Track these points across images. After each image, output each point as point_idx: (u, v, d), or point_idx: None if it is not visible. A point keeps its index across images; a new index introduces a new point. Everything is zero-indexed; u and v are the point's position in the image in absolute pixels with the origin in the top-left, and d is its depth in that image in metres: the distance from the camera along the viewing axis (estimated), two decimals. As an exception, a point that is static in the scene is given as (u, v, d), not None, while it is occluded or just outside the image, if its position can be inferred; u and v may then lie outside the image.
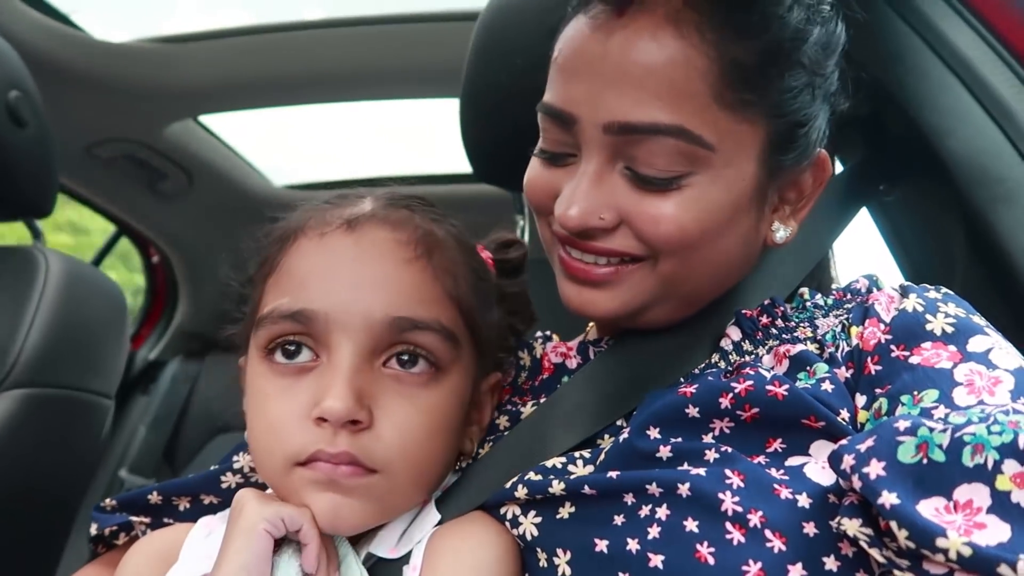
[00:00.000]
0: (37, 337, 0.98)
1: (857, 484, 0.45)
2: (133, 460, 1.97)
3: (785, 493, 0.50)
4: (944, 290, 0.61)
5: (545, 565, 0.54)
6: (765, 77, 0.56)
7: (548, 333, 0.74)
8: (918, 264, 0.83)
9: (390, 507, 0.56)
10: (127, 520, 0.68)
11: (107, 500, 0.70)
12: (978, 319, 0.57)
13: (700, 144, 0.55)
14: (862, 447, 0.46)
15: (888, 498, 0.43)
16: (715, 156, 0.56)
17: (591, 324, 0.73)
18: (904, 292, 0.60)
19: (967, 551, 0.40)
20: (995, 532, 0.40)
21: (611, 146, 0.57)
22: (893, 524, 0.42)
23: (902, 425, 0.46)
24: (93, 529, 0.69)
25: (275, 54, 1.47)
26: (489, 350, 0.64)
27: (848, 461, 0.46)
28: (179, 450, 2.00)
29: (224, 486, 0.68)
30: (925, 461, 0.44)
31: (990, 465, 0.42)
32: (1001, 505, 0.41)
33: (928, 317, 0.56)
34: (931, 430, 0.45)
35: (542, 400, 0.66)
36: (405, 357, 0.55)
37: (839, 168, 0.83)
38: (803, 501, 0.49)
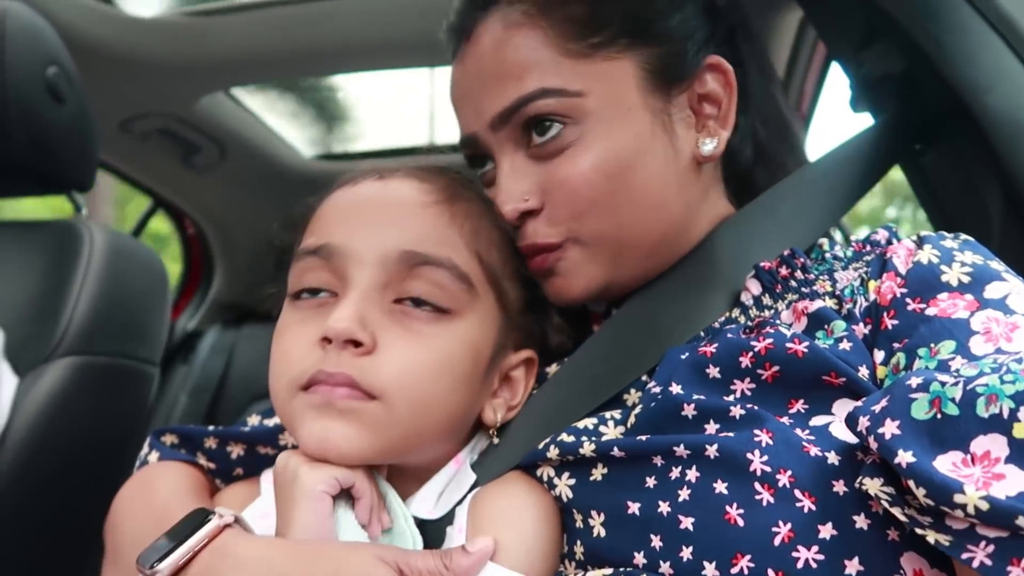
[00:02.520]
0: (85, 307, 1.01)
1: (874, 445, 0.45)
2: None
3: (813, 451, 0.50)
4: (963, 237, 0.60)
5: (581, 526, 0.55)
6: (600, 19, 0.62)
7: None
8: (953, 222, 0.82)
9: (385, 442, 0.55)
10: (193, 459, 0.70)
11: (167, 434, 0.71)
12: (996, 264, 0.56)
13: (567, 95, 0.61)
14: (876, 408, 0.46)
15: (904, 457, 0.43)
16: (589, 101, 0.61)
17: None
18: (920, 243, 0.60)
19: (984, 505, 0.39)
20: (1014, 482, 0.40)
21: (506, 137, 0.64)
22: (911, 482, 0.42)
23: (914, 382, 0.46)
24: (154, 456, 0.69)
25: (305, 25, 1.47)
26: (518, 321, 0.64)
27: (863, 423, 0.46)
28: (219, 416, 2.05)
29: (282, 443, 0.69)
30: (939, 416, 0.44)
31: (1006, 414, 0.41)
32: (1019, 454, 0.41)
33: (943, 268, 0.56)
34: (943, 384, 0.44)
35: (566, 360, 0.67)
36: (415, 295, 0.56)
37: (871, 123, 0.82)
38: (831, 459, 0.49)
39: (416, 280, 0.56)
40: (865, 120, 0.84)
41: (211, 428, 0.71)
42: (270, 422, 0.71)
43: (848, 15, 0.83)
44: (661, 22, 0.64)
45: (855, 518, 0.47)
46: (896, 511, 0.44)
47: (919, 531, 0.43)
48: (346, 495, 0.54)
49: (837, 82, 1.50)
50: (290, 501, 0.52)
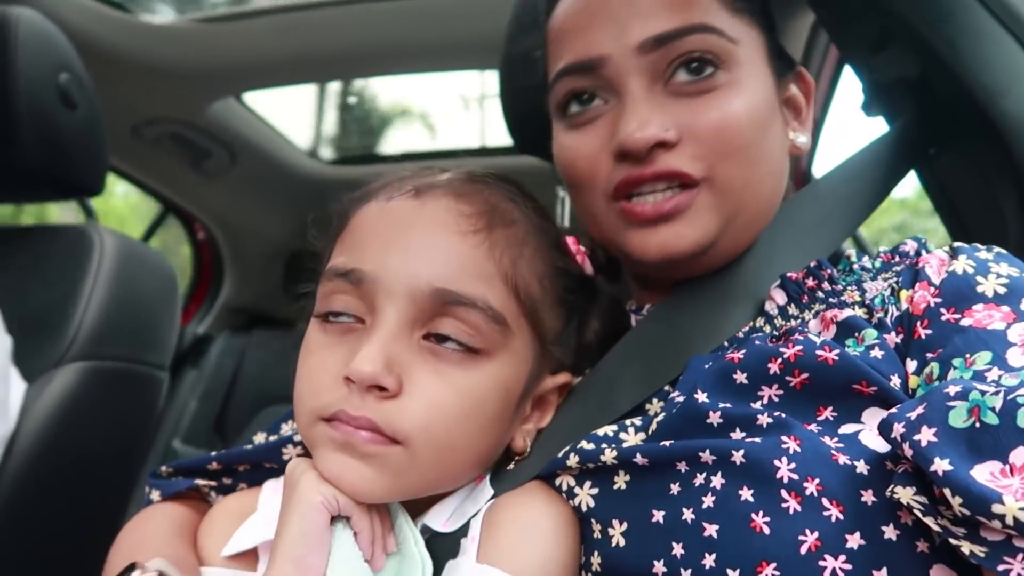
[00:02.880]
0: (95, 312, 1.01)
1: (909, 452, 0.44)
2: (185, 431, 2.04)
3: (842, 460, 0.49)
4: (996, 249, 0.59)
5: (599, 536, 0.54)
6: None
7: None
8: (969, 227, 0.81)
9: (404, 485, 0.53)
10: (193, 484, 0.69)
11: (163, 467, 0.71)
12: None
13: (725, 37, 0.61)
14: (912, 414, 0.45)
15: (941, 465, 0.42)
16: (738, 51, 0.61)
17: (630, 302, 0.73)
18: (954, 253, 0.59)
19: None
20: None
21: (649, 66, 0.61)
22: (947, 491, 0.41)
23: (952, 390, 0.45)
24: (155, 496, 0.69)
25: (314, 31, 1.48)
26: (556, 347, 0.61)
27: (898, 429, 0.45)
28: (229, 421, 2.06)
29: (286, 457, 0.68)
30: (978, 425, 0.43)
31: None
32: None
33: (979, 279, 0.55)
34: (983, 393, 0.43)
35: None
36: (446, 334, 0.53)
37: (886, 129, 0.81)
38: (860, 468, 0.48)
39: (447, 319, 0.53)
40: (878, 124, 0.83)
41: (213, 454, 0.70)
42: (275, 438, 0.71)
43: (861, 19, 0.82)
44: (784, 18, 0.68)
45: (884, 528, 0.46)
46: (929, 520, 0.43)
47: (953, 541, 0.42)
48: (345, 520, 0.54)
49: (850, 86, 1.49)
50: (288, 506, 0.52)
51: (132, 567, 0.52)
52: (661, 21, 0.60)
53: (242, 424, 2.03)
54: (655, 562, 0.51)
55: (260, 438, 0.72)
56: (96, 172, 1.13)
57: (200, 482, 0.70)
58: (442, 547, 0.56)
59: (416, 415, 0.52)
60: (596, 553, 0.54)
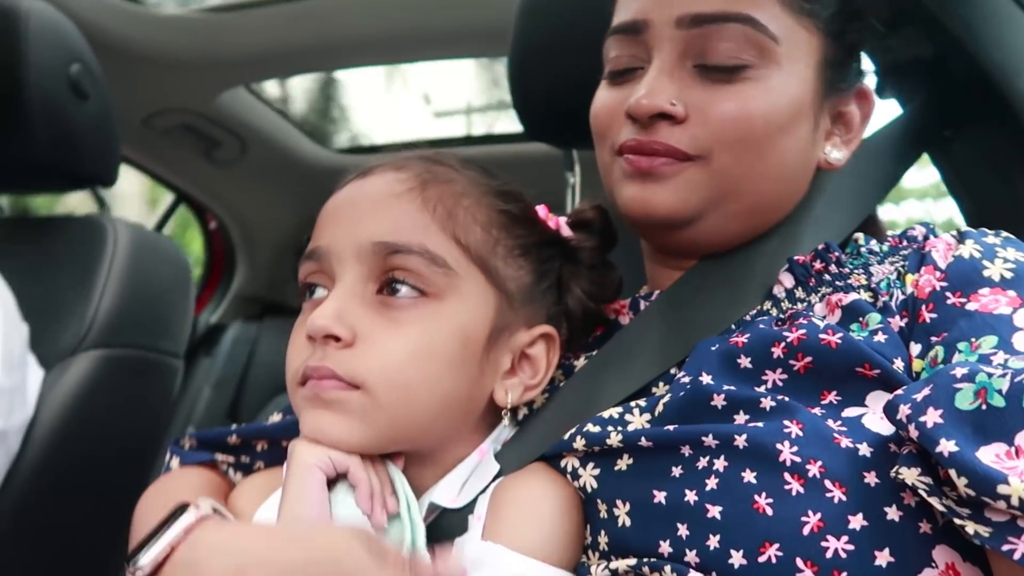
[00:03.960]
0: (110, 301, 1.02)
1: (914, 433, 0.44)
2: (200, 419, 2.06)
3: (845, 443, 0.49)
4: (1004, 234, 0.59)
5: (606, 516, 0.55)
6: None
7: None
8: (983, 211, 0.81)
9: (378, 430, 0.56)
10: (212, 458, 0.71)
11: (185, 438, 0.73)
12: None
13: (766, 33, 0.60)
14: (918, 396, 0.45)
15: (946, 446, 0.42)
16: (778, 50, 0.61)
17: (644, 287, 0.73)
18: (961, 238, 0.59)
19: None
20: None
21: (683, 41, 0.62)
22: (952, 472, 0.41)
23: (959, 372, 0.45)
24: (175, 463, 0.71)
25: (323, 19, 1.48)
26: (527, 298, 0.63)
27: (904, 411, 0.46)
28: (242, 409, 2.08)
29: None
30: (984, 407, 0.43)
31: None
32: None
33: (986, 263, 0.55)
34: (990, 375, 0.44)
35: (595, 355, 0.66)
36: (394, 284, 0.57)
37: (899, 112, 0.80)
38: (863, 451, 0.49)
39: (392, 269, 0.57)
40: (892, 107, 0.82)
41: (233, 427, 0.71)
42: (292, 417, 0.72)
43: (874, -1, 0.81)
44: (856, 29, 0.65)
45: (887, 510, 0.46)
46: (934, 501, 0.44)
47: (957, 521, 0.42)
48: (347, 482, 0.56)
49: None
50: (288, 476, 0.55)
51: (183, 508, 0.52)
52: (709, 1, 0.61)
53: (256, 411, 2.05)
54: (661, 542, 0.51)
55: (277, 418, 0.73)
56: (108, 163, 1.14)
57: (219, 457, 0.71)
58: (451, 524, 0.58)
59: (370, 359, 0.55)
60: (603, 532, 0.55)
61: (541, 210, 0.68)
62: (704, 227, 0.64)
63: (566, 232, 0.69)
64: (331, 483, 0.55)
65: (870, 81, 0.70)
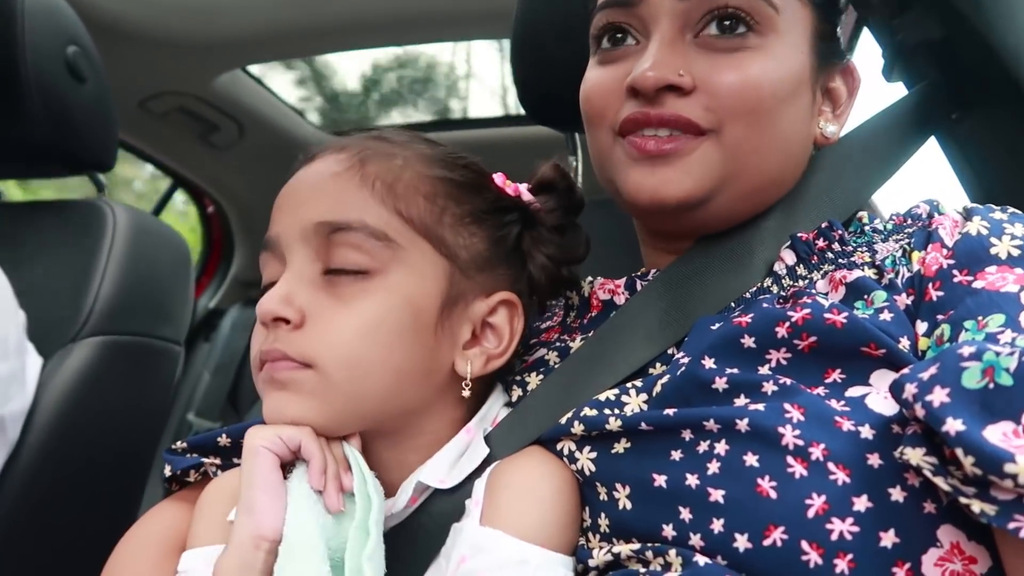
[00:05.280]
0: (109, 287, 1.01)
1: (920, 413, 0.44)
2: (199, 404, 2.06)
3: (847, 425, 0.49)
4: (1011, 210, 0.59)
5: (606, 499, 0.55)
6: None
7: (598, 278, 0.74)
8: (990, 193, 0.80)
9: (335, 408, 0.57)
10: (199, 461, 0.70)
11: (178, 443, 0.73)
12: None
13: (767, 1, 0.60)
14: (925, 375, 0.45)
15: (953, 425, 0.42)
16: (778, 20, 0.61)
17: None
18: (968, 215, 0.58)
19: None
20: None
21: (682, 12, 0.61)
22: (959, 451, 0.41)
23: (966, 351, 0.44)
24: (167, 471, 0.71)
25: (321, 1, 1.46)
26: (483, 266, 0.62)
27: (910, 390, 0.45)
28: (242, 393, 2.08)
29: None
30: (991, 386, 0.43)
31: None
32: None
33: (993, 240, 0.55)
34: (997, 354, 0.43)
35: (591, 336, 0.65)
36: (339, 264, 0.58)
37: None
38: (866, 432, 0.49)
39: (336, 248, 0.58)
40: (898, 90, 0.82)
41: (223, 428, 0.71)
42: None
43: (882, -21, 0.80)
44: (843, 2, 0.66)
45: (891, 490, 0.47)
46: (939, 480, 0.44)
47: (963, 500, 0.42)
48: (304, 465, 0.56)
49: (868, 50, 1.46)
50: (242, 462, 0.56)
51: None
52: None
53: (256, 396, 2.04)
54: (664, 526, 0.51)
55: None
56: (106, 146, 1.13)
57: (207, 461, 0.70)
58: (445, 508, 0.58)
59: (319, 337, 0.56)
60: (603, 515, 0.55)
61: (498, 177, 0.67)
62: (712, 208, 0.63)
63: (527, 197, 0.67)
64: (289, 467, 0.56)
65: (868, 64, 0.69)
